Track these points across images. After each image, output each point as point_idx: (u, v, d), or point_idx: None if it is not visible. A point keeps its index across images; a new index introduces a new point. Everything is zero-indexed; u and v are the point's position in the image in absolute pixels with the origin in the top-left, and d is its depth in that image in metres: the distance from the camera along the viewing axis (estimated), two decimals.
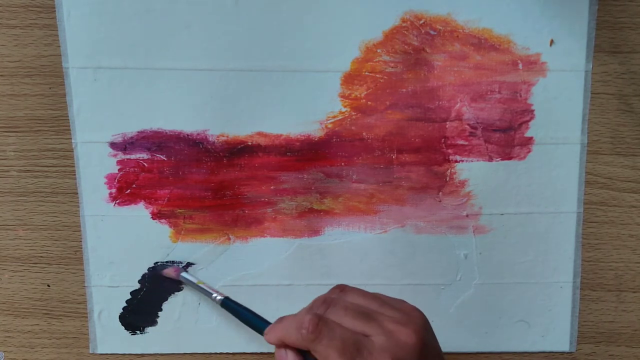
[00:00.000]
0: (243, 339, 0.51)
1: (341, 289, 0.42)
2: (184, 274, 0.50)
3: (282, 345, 0.40)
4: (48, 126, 0.49)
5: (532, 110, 0.49)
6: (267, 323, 0.43)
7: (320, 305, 0.40)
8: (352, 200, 0.50)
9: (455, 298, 0.51)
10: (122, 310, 0.51)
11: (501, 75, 0.48)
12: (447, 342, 0.51)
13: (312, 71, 0.48)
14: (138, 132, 0.49)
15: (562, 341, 0.52)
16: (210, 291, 0.49)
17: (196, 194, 0.49)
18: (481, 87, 0.48)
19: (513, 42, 0.48)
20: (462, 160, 0.49)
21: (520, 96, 0.48)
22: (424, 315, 0.41)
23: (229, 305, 0.47)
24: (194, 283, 0.49)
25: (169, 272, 0.50)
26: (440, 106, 0.49)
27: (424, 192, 0.50)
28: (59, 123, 0.49)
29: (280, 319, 0.41)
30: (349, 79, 0.48)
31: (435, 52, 0.48)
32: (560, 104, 0.49)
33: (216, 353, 0.52)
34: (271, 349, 0.51)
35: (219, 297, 0.48)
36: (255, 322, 0.45)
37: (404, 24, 0.47)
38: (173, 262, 0.50)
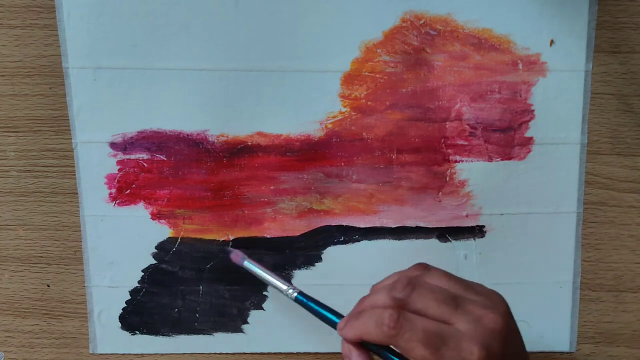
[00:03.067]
0: (242, 339, 0.52)
1: (425, 267, 0.40)
2: (248, 262, 0.47)
3: (360, 341, 0.38)
4: (48, 126, 0.49)
5: (532, 110, 0.49)
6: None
7: (404, 287, 0.38)
8: (352, 200, 0.50)
9: None
10: (121, 311, 0.51)
11: (501, 75, 0.48)
12: None
13: (312, 71, 0.48)
14: (138, 132, 0.49)
15: (561, 341, 0.52)
16: (283, 283, 0.45)
17: (196, 194, 0.49)
18: (481, 87, 0.48)
19: (513, 42, 0.48)
20: (462, 161, 0.49)
21: (520, 96, 0.48)
22: (505, 300, 0.39)
23: (303, 300, 0.44)
24: (262, 272, 0.46)
25: (236, 256, 0.48)
26: (440, 106, 0.49)
27: (423, 192, 0.50)
28: (59, 123, 0.49)
29: (358, 314, 0.38)
30: (349, 79, 0.48)
31: (435, 52, 0.48)
32: (560, 104, 0.49)
33: (216, 353, 0.52)
34: (271, 349, 0.52)
35: (291, 292, 0.44)
36: (332, 318, 0.42)
37: (404, 24, 0.47)
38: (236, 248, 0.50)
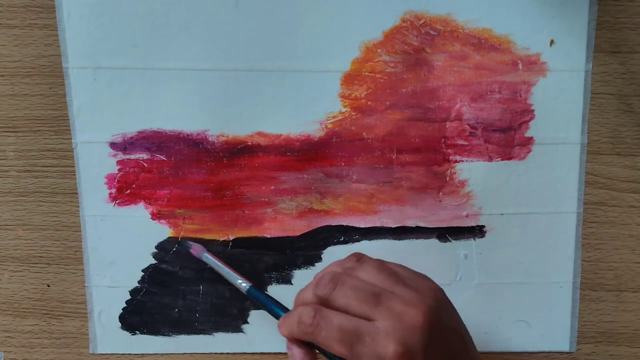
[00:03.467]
0: (242, 339, 0.51)
1: (358, 258, 0.41)
2: (207, 255, 0.48)
3: (293, 339, 0.39)
4: (48, 126, 0.49)
5: (532, 111, 0.49)
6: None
7: (327, 284, 0.39)
8: (352, 200, 0.50)
9: (455, 298, 0.51)
10: (122, 311, 0.51)
11: (501, 76, 0.48)
12: None
13: (312, 71, 0.48)
14: (138, 132, 0.49)
15: (562, 341, 0.52)
16: (237, 277, 0.47)
17: (196, 194, 0.49)
18: (481, 87, 0.48)
19: (513, 42, 0.48)
20: (462, 160, 0.49)
21: (520, 96, 0.48)
22: (440, 294, 0.39)
23: (254, 294, 0.45)
24: (219, 265, 0.48)
25: (196, 249, 0.49)
26: (440, 106, 0.49)
27: (424, 192, 0.50)
28: (58, 123, 0.49)
29: (288, 314, 0.40)
30: (349, 79, 0.48)
31: (435, 52, 0.48)
32: (560, 104, 0.49)
33: (216, 353, 0.52)
34: (271, 349, 0.52)
35: (244, 285, 0.46)
36: (279, 313, 0.43)
37: (404, 24, 0.47)
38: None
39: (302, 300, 0.40)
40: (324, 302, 0.38)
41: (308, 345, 0.39)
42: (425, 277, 0.41)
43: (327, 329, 0.37)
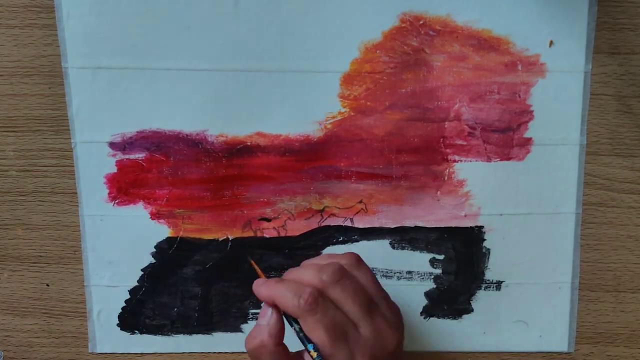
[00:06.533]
0: (241, 338, 0.52)
1: (357, 261, 0.42)
2: None
3: (271, 304, 0.40)
4: (47, 126, 0.49)
5: (531, 111, 0.49)
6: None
7: (333, 273, 0.40)
8: (351, 200, 0.50)
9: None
10: (121, 310, 0.51)
11: (500, 76, 0.48)
12: (445, 341, 0.52)
13: (311, 72, 0.48)
14: (137, 132, 0.49)
15: (560, 341, 0.52)
16: None
17: (195, 194, 0.50)
18: (480, 87, 0.48)
19: (512, 42, 0.48)
20: (461, 160, 0.49)
21: (519, 97, 0.48)
22: (403, 324, 0.42)
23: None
24: None
25: None
26: (439, 106, 0.49)
27: (422, 192, 0.50)
28: (58, 123, 0.49)
29: (280, 280, 0.41)
30: (348, 79, 0.48)
31: (434, 53, 0.48)
32: (560, 104, 0.49)
33: (215, 352, 0.52)
34: None
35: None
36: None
37: (403, 25, 0.47)
38: None
39: (298, 277, 0.40)
40: (323, 289, 0.39)
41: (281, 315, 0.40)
42: (395, 304, 0.43)
43: (323, 314, 0.38)
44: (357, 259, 0.42)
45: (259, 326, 0.40)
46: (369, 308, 0.39)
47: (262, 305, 0.41)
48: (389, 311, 0.41)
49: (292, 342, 0.40)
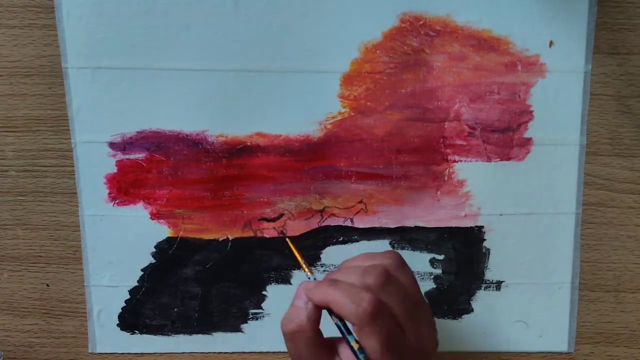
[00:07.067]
0: (241, 338, 0.52)
1: (400, 262, 0.40)
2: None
3: (325, 307, 0.38)
4: (47, 126, 0.49)
5: (531, 111, 0.49)
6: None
7: (378, 276, 0.38)
8: (351, 200, 0.50)
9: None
10: (121, 310, 0.51)
11: (500, 76, 0.48)
12: (445, 341, 0.52)
13: (311, 72, 0.48)
14: (137, 132, 0.49)
15: (560, 341, 0.52)
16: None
17: (195, 194, 0.50)
18: (480, 87, 0.48)
19: (512, 43, 0.48)
20: (461, 160, 0.49)
21: (519, 97, 0.48)
22: None
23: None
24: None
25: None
26: (439, 106, 0.49)
27: (422, 192, 0.50)
28: (58, 123, 0.49)
29: (333, 282, 0.38)
30: (348, 79, 0.48)
31: (434, 53, 0.48)
32: (559, 105, 0.49)
33: (215, 352, 0.52)
34: (270, 348, 0.52)
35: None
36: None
37: (403, 25, 0.47)
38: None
39: (344, 280, 0.38)
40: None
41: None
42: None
43: (382, 325, 0.36)
44: (400, 260, 0.40)
45: (297, 308, 0.38)
46: (413, 313, 0.38)
47: (296, 303, 0.39)
48: (428, 313, 0.40)
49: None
